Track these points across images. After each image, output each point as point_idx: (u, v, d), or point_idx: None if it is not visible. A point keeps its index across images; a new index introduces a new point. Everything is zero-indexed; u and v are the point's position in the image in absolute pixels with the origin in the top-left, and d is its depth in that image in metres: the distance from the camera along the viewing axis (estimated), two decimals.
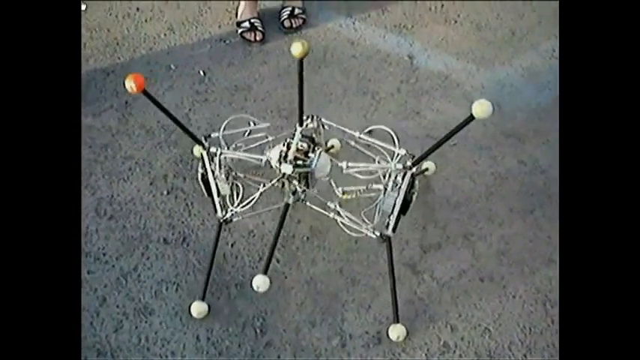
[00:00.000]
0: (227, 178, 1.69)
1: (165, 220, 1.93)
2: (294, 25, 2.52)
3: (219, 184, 1.66)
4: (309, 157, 1.59)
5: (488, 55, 2.47)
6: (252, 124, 1.80)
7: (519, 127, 2.21)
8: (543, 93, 2.34)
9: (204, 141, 1.63)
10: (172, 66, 2.41)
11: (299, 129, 1.61)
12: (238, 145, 1.76)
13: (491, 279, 1.82)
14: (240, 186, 1.80)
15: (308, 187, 1.67)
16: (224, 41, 2.50)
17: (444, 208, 1.97)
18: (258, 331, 1.71)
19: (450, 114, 2.22)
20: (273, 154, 1.64)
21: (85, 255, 1.86)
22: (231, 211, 1.69)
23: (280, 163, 1.58)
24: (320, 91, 2.31)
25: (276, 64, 2.41)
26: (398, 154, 1.69)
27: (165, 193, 2.00)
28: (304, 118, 1.63)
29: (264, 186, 1.70)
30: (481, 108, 1.27)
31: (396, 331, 1.67)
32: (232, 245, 1.88)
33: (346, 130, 1.72)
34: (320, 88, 2.33)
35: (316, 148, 1.61)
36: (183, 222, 1.93)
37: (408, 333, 1.69)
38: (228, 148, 1.71)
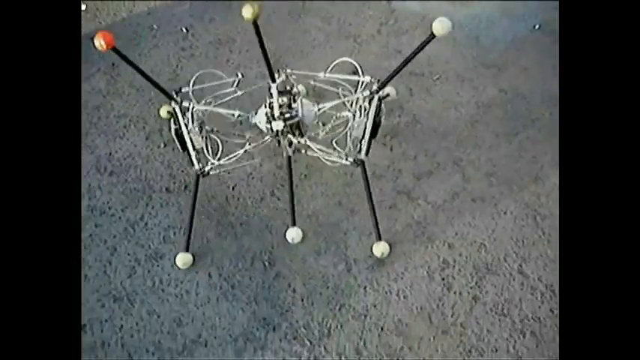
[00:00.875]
0: (200, 132, 1.72)
1: (165, 171, 1.99)
2: None
3: (193, 137, 1.69)
4: (293, 109, 1.65)
5: None
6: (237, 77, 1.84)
7: (498, 58, 2.29)
8: (519, 25, 2.42)
9: (175, 96, 1.67)
10: (155, 26, 2.44)
11: (273, 86, 1.64)
12: (208, 100, 1.80)
13: (482, 199, 1.91)
14: (217, 139, 1.83)
15: (303, 135, 1.74)
16: None
17: (432, 138, 2.05)
18: (266, 264, 1.78)
19: (431, 50, 2.26)
20: (260, 117, 1.71)
21: (91, 210, 1.91)
22: (212, 164, 1.73)
23: (270, 123, 1.64)
24: (303, 39, 2.37)
25: None
26: (363, 83, 1.75)
27: (162, 145, 2.05)
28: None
29: (244, 141, 1.77)
30: (441, 25, 1.34)
31: (380, 248, 1.77)
32: (233, 188, 1.94)
33: (312, 73, 1.82)
34: (302, 35, 2.38)
35: (296, 98, 1.67)
36: (182, 171, 1.99)
37: (391, 249, 1.78)
38: (198, 103, 1.75)
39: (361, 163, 1.75)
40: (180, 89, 1.75)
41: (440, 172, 1.97)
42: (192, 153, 1.71)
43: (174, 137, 1.72)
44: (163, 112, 2.05)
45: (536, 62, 2.27)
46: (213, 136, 1.82)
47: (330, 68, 1.85)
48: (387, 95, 2.02)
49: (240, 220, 1.87)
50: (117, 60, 2.28)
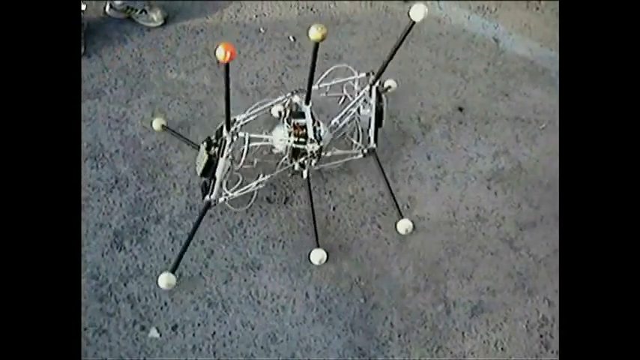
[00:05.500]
0: (231, 164, 1.73)
1: (267, 180, 1.97)
2: None
3: (225, 169, 1.70)
4: (317, 130, 1.72)
5: None
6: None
7: None
8: None
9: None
10: (262, 29, 2.42)
11: (307, 108, 1.73)
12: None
13: None
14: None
15: (320, 157, 1.78)
16: (311, 9, 2.52)
17: (536, 189, 2.03)
18: (364, 292, 1.76)
19: (538, 98, 2.26)
20: (277, 139, 1.75)
21: (190, 208, 1.90)
22: (225, 195, 1.75)
23: (302, 144, 1.71)
24: (410, 65, 2.35)
25: (364, 35, 2.44)
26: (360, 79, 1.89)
27: (265, 153, 2.03)
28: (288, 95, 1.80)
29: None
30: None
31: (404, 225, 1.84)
32: (334, 209, 1.92)
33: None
34: (409, 62, 2.36)
35: (316, 120, 1.74)
36: (284, 182, 1.97)
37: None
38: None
39: (372, 152, 1.83)
40: (234, 120, 1.73)
41: (543, 225, 1.94)
42: (218, 184, 1.72)
43: (203, 162, 1.71)
44: (157, 124, 2.05)
45: None
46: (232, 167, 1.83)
47: (324, 75, 1.89)
48: (389, 87, 2.05)
49: (339, 243, 1.85)
50: None
